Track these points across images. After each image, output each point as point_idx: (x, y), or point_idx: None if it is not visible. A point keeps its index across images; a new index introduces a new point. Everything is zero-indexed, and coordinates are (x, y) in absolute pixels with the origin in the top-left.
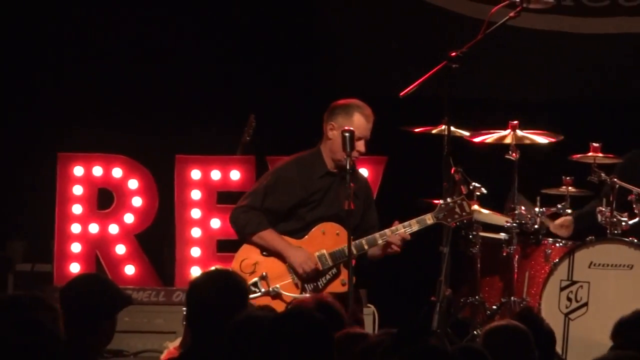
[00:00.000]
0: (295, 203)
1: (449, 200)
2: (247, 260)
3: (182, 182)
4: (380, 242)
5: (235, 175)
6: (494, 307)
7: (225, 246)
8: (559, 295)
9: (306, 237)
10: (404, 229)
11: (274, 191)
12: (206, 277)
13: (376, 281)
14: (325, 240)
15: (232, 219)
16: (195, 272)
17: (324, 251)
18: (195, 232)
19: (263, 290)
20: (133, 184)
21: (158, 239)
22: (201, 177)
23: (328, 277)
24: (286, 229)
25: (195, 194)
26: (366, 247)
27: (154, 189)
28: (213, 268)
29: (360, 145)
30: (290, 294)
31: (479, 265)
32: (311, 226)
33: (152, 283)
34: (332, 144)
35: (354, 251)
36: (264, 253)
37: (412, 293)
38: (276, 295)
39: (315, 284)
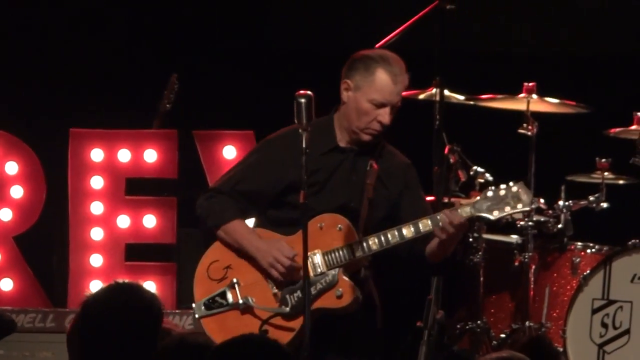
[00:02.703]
0: (285, 186)
1: (501, 185)
2: (218, 262)
3: (79, 166)
4: (393, 241)
5: (150, 155)
6: (503, 335)
7: (137, 252)
8: (590, 320)
9: (298, 233)
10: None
11: (254, 171)
12: (103, 295)
13: None
14: (322, 237)
15: (197, 210)
16: (96, 288)
17: (318, 252)
18: (96, 234)
19: (231, 301)
20: (11, 167)
21: (45, 243)
22: (104, 158)
23: (320, 285)
24: (277, 218)
25: (97, 182)
26: (375, 247)
27: (40, 175)
28: (113, 282)
29: (384, 115)
30: (266, 307)
31: (482, 279)
32: (308, 217)
33: (36, 303)
34: (347, 109)
35: (359, 253)
36: (241, 253)
37: (389, 316)
38: (246, 309)
39: (301, 293)
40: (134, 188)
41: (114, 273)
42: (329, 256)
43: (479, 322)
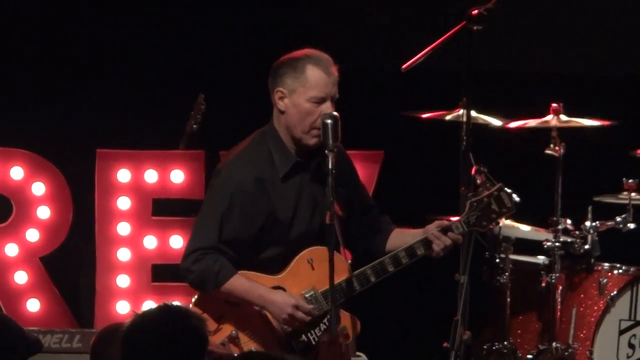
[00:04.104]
0: (262, 224)
1: (481, 192)
2: (208, 313)
3: (105, 186)
4: (390, 269)
5: (177, 176)
6: (529, 356)
7: (164, 273)
8: (617, 341)
9: (287, 271)
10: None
11: (231, 217)
12: (149, 319)
13: (368, 320)
14: (314, 273)
15: (184, 275)
16: (123, 309)
17: (315, 290)
18: (123, 255)
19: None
20: (38, 188)
21: (72, 264)
22: (131, 179)
23: (323, 326)
24: (267, 257)
25: (123, 202)
26: (373, 279)
27: (67, 196)
28: (160, 305)
29: (327, 109)
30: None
31: (509, 300)
32: (294, 252)
33: (63, 323)
34: (288, 117)
35: (357, 286)
36: (232, 303)
37: (416, 337)
38: None
39: (306, 337)
40: (161, 209)
41: (141, 294)
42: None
43: (505, 342)
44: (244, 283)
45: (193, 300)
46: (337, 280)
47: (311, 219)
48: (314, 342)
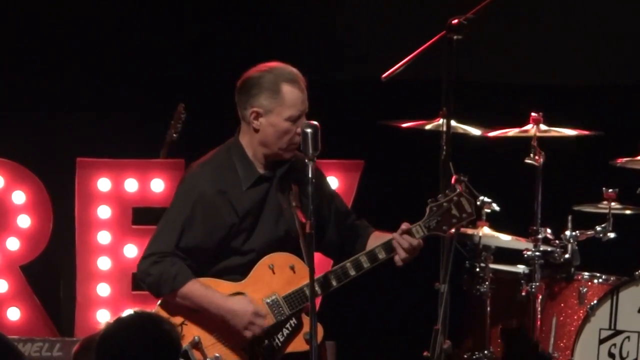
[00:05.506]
0: (224, 234)
1: (441, 198)
2: (170, 319)
3: (86, 195)
4: (352, 273)
5: (157, 185)
6: None
7: None
8: (597, 350)
9: (248, 278)
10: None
11: (192, 225)
12: (121, 325)
13: (348, 329)
14: (276, 279)
15: (141, 278)
16: (103, 317)
17: (276, 296)
18: (104, 263)
19: None
20: (18, 197)
21: (52, 273)
22: (111, 188)
23: (286, 331)
24: (228, 266)
25: (104, 211)
26: (334, 283)
27: (47, 204)
28: (131, 312)
29: (302, 124)
30: None
31: (489, 309)
32: (259, 259)
33: (44, 332)
34: (264, 136)
35: (319, 291)
36: (195, 311)
37: (396, 346)
38: None
39: (268, 343)
40: (141, 217)
41: (121, 302)
42: (291, 299)
43: (485, 352)
44: (201, 290)
45: (156, 307)
46: (298, 286)
47: (276, 227)
48: (277, 348)
